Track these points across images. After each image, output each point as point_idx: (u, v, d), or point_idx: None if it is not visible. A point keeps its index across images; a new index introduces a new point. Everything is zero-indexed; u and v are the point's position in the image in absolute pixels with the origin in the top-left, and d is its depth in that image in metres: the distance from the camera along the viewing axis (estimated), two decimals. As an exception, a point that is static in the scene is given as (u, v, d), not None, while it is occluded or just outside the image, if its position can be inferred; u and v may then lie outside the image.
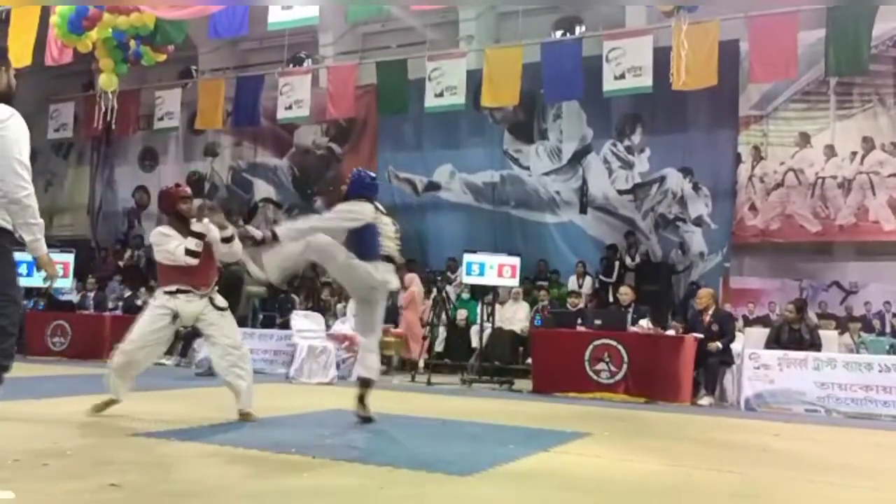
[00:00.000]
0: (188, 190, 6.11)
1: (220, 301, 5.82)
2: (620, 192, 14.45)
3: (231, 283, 10.92)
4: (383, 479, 3.91)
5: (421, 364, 10.98)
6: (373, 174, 6.27)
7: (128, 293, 14.07)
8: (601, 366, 8.86)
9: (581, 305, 11.78)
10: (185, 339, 11.79)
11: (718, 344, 8.95)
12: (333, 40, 16.14)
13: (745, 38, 11.32)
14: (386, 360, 11.26)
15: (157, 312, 5.68)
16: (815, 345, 8.88)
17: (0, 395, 4.06)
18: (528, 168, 15.13)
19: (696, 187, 13.89)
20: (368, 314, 6.01)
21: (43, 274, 3.79)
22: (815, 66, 11.97)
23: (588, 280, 13.57)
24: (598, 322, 9.30)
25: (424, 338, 11.58)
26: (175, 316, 5.66)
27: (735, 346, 9.26)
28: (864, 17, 10.10)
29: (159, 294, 5.77)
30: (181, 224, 5.79)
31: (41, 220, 3.50)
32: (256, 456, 4.44)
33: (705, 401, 8.76)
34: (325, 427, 5.57)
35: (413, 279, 12.01)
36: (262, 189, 17.64)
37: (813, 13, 10.88)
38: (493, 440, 5.39)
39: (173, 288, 5.67)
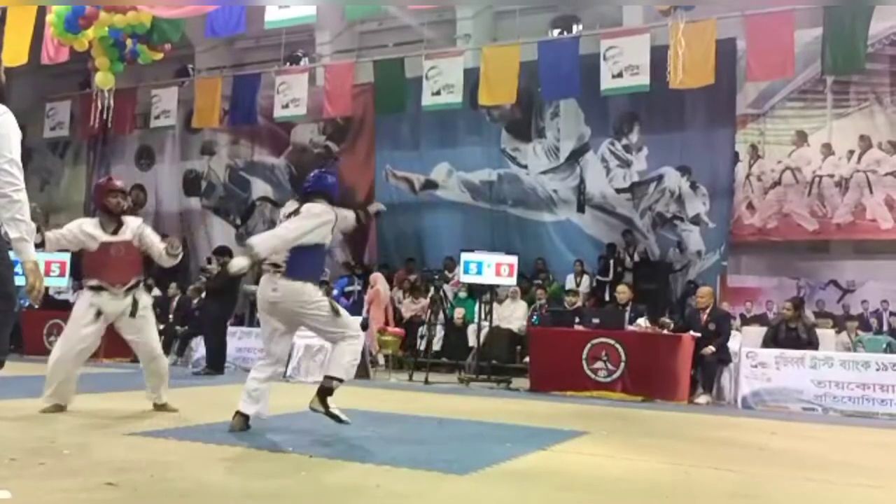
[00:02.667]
0: (118, 184, 6.10)
1: (144, 300, 5.93)
2: (618, 191, 14.44)
3: (228, 282, 10.98)
4: (381, 478, 3.90)
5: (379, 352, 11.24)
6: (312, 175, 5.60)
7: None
8: (599, 364, 8.86)
9: (579, 304, 11.78)
10: (181, 338, 11.80)
11: (712, 347, 8.95)
12: (330, 39, 16.10)
13: (742, 36, 11.35)
14: (385, 358, 11.30)
15: (82, 311, 5.79)
16: (812, 343, 8.88)
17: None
18: (525, 167, 15.12)
19: (693, 186, 13.89)
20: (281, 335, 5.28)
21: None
22: (812, 65, 11.97)
23: (586, 279, 13.57)
24: (595, 321, 9.30)
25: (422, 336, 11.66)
26: (99, 312, 5.75)
27: (732, 345, 9.25)
28: (861, 16, 10.11)
29: (84, 290, 5.89)
30: (109, 218, 5.87)
31: (32, 223, 3.44)
32: (253, 455, 4.43)
33: (703, 399, 8.76)
34: (322, 426, 5.56)
35: (377, 278, 12.30)
36: (260, 188, 17.62)
37: (810, 12, 10.89)
38: (491, 439, 5.39)
39: (94, 283, 5.80)
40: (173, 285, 12.82)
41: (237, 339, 11.09)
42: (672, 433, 6.32)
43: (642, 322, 9.32)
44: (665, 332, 9.25)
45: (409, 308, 13.06)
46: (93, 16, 11.08)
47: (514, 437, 5.42)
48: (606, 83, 11.37)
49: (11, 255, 3.45)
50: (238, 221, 17.67)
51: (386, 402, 7.41)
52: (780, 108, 13.45)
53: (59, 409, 5.74)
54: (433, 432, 5.69)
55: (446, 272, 13.33)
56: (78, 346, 5.73)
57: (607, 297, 12.69)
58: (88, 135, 16.87)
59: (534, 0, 14.49)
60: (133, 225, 5.93)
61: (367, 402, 7.32)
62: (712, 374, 8.98)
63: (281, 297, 5.10)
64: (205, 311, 10.84)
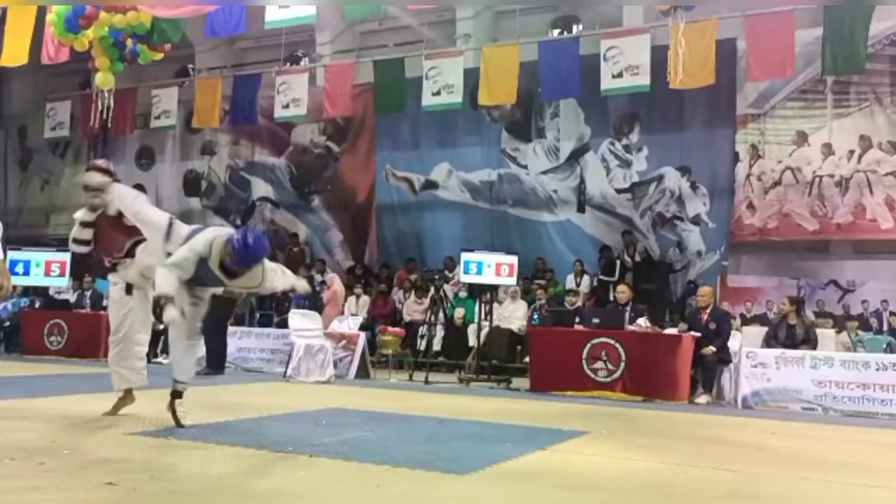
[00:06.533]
0: (98, 162, 6.03)
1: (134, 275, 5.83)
2: (618, 191, 14.45)
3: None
4: (380, 478, 3.90)
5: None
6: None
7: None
8: (599, 364, 8.86)
9: (579, 304, 11.78)
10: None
11: (712, 347, 8.96)
12: (330, 39, 16.12)
13: (742, 36, 11.35)
14: (384, 357, 11.30)
15: (114, 290, 5.80)
16: (811, 341, 8.88)
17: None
18: (525, 167, 15.13)
19: (693, 186, 13.90)
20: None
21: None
22: (813, 65, 11.99)
23: (586, 279, 13.56)
24: (595, 321, 9.29)
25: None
26: (128, 289, 5.72)
27: (732, 345, 9.26)
28: (861, 16, 10.12)
29: (110, 277, 5.93)
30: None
31: None
32: (253, 454, 4.43)
33: (702, 399, 8.77)
34: (322, 426, 5.57)
35: (334, 279, 12.32)
36: (261, 188, 17.63)
37: (810, 12, 10.91)
38: (491, 439, 5.39)
39: (105, 262, 5.81)
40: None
41: (237, 339, 11.10)
42: (671, 433, 6.32)
43: (642, 322, 9.32)
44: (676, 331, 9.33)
45: (413, 308, 13.07)
46: (93, 16, 11.08)
47: (514, 437, 5.42)
48: (606, 83, 11.37)
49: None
50: (238, 221, 17.65)
51: (386, 402, 7.41)
52: (781, 108, 13.46)
53: (125, 400, 5.74)
54: (433, 432, 5.69)
55: (446, 272, 13.34)
56: (123, 322, 5.70)
57: (608, 297, 12.67)
58: (89, 135, 16.88)
59: (534, 0, 14.51)
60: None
61: (367, 401, 7.33)
62: (712, 373, 8.99)
63: None
64: (205, 311, 10.84)
